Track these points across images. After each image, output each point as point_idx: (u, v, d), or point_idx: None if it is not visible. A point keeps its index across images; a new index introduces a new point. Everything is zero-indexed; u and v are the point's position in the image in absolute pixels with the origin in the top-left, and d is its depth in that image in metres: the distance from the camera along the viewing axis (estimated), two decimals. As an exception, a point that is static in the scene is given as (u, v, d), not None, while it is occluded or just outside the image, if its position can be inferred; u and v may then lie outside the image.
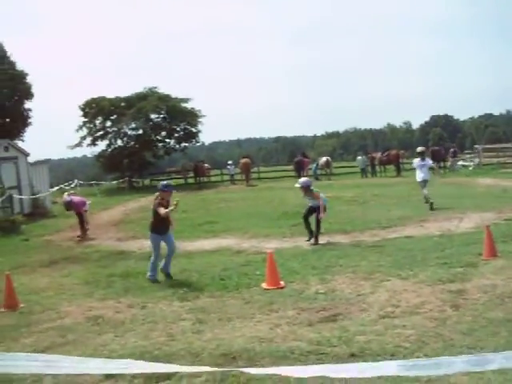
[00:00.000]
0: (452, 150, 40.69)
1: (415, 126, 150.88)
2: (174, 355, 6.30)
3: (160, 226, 10.83)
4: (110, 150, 44.07)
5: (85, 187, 36.20)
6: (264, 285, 9.80)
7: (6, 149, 24.00)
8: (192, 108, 43.66)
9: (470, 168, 39.01)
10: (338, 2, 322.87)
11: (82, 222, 18.57)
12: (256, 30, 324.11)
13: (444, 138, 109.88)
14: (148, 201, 31.78)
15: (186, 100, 43.44)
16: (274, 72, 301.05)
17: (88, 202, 19.26)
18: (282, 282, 9.82)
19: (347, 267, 10.86)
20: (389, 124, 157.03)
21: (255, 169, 43.58)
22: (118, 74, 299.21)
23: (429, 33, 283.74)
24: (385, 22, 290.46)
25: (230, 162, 42.90)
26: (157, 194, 11.14)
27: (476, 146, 44.05)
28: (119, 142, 44.20)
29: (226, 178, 43.36)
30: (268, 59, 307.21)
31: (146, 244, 15.90)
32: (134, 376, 5.75)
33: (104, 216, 25.08)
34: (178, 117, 43.00)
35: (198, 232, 17.60)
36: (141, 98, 42.37)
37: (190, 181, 42.22)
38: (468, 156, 44.79)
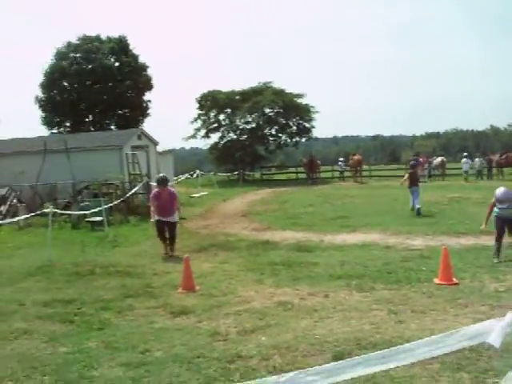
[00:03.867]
0: None
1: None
2: (391, 342, 6.25)
3: None
4: (222, 142, 44.86)
5: (200, 178, 36.85)
6: (436, 280, 9.63)
7: (139, 137, 24.86)
8: (306, 104, 43.81)
9: None
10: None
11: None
12: (356, 26, 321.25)
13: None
14: (266, 193, 32.34)
15: (300, 95, 43.63)
16: (372, 69, 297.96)
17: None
18: (454, 279, 9.63)
19: (514, 268, 10.51)
20: (492, 126, 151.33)
21: (366, 167, 43.21)
22: (230, 67, 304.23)
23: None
24: (491, 16, 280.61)
25: (341, 159, 42.73)
26: None
27: None
28: (232, 135, 44.93)
29: (336, 174, 43.26)
30: (367, 56, 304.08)
31: (287, 235, 16.15)
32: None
33: (228, 207, 25.52)
34: (293, 112, 43.21)
35: (333, 226, 17.49)
36: (256, 92, 42.87)
37: (301, 176, 42.39)
38: None
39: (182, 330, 7.17)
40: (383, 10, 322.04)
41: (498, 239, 11.41)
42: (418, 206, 19.11)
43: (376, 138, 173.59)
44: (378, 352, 2.37)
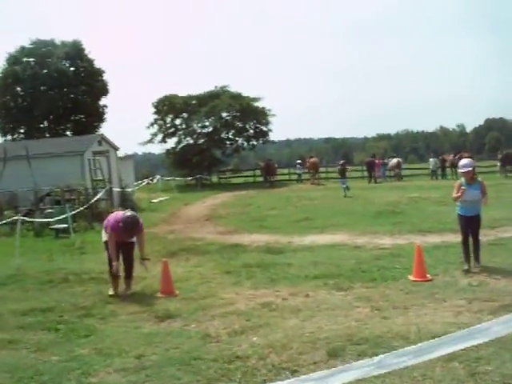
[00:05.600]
0: (499, 156, 41.02)
1: (469, 129, 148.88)
2: (382, 338, 6.41)
3: None
4: (179, 146, 44.79)
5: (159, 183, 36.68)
6: (411, 277, 9.85)
7: (100, 143, 24.68)
8: (263, 107, 44.12)
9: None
10: (391, 0, 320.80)
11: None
12: (308, 28, 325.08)
13: (502, 143, 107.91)
14: (226, 197, 32.44)
15: (257, 99, 43.94)
16: (323, 72, 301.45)
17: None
18: (428, 275, 9.88)
19: (483, 262, 10.74)
20: (441, 127, 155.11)
21: (323, 169, 43.80)
22: (187, 72, 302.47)
23: (482, 32, 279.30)
24: (437, 20, 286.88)
25: (298, 161, 43.25)
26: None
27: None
28: (189, 140, 44.90)
29: (293, 177, 43.83)
30: (318, 58, 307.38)
31: (255, 238, 16.24)
32: (363, 352, 5.94)
33: (190, 211, 25.52)
34: (250, 115, 43.47)
35: (299, 228, 17.72)
36: (213, 96, 42.98)
37: (258, 179, 42.68)
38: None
39: (171, 334, 7.19)
40: (336, 10, 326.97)
41: (464, 242, 10.57)
42: (344, 186, 28.39)
43: (328, 140, 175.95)
44: (455, 333, 2.51)
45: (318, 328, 7.03)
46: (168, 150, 45.47)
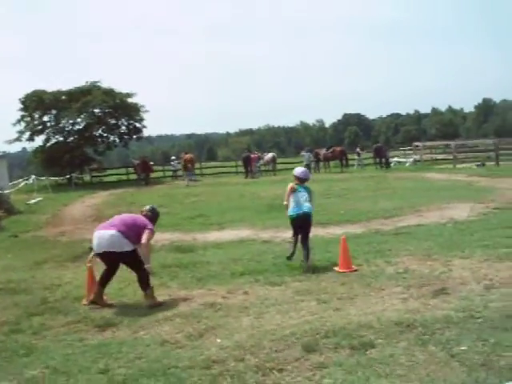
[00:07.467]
0: (357, 149, 43.30)
1: (328, 124, 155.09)
2: (347, 329, 6.43)
3: None
4: (48, 144, 42.63)
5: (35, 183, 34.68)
6: (337, 268, 9.99)
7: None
8: (136, 103, 43.09)
9: (407, 164, 40.78)
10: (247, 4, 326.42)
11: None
12: (169, 25, 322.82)
13: (360, 136, 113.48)
14: (105, 196, 31.34)
15: (130, 95, 42.81)
16: (182, 68, 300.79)
17: None
18: (353, 266, 10.05)
19: (398, 251, 11.15)
20: (302, 122, 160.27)
21: (197, 165, 43.51)
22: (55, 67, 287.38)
23: (340, 33, 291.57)
24: (296, 22, 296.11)
25: (173, 158, 42.84)
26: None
27: (416, 143, 46.17)
28: (59, 137, 42.86)
29: (168, 174, 43.42)
30: (177, 55, 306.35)
31: (154, 237, 15.73)
32: (339, 345, 5.93)
33: (73, 212, 24.38)
34: (123, 112, 42.28)
35: (197, 225, 17.51)
36: (84, 91, 41.25)
37: (132, 177, 41.77)
38: (403, 153, 47.05)
39: (125, 344, 6.69)
40: (196, 11, 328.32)
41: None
42: (188, 178, 35.03)
43: (191, 136, 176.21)
44: None
45: (278, 325, 6.90)
46: (36, 148, 43.17)
